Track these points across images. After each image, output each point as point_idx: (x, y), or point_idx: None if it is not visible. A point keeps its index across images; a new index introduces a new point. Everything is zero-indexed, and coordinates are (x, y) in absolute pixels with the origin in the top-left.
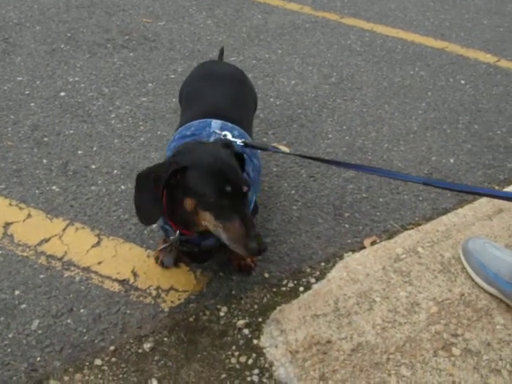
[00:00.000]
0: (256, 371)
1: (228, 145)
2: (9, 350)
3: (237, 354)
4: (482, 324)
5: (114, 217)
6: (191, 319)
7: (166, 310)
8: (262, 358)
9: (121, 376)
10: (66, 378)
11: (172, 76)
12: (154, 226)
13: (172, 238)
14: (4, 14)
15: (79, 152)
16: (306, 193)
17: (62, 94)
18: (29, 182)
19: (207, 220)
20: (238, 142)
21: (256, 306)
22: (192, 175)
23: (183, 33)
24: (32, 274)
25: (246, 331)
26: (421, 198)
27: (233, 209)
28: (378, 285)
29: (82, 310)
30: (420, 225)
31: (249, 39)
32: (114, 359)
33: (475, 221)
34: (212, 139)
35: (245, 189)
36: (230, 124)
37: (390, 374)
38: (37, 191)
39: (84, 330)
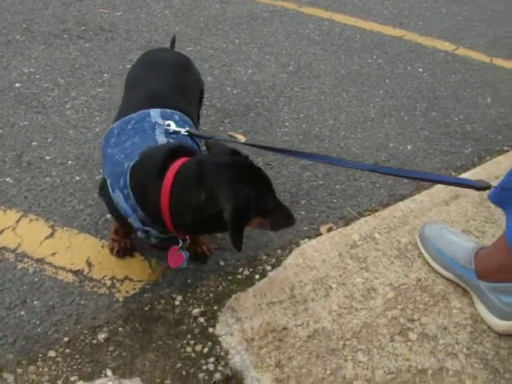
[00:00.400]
0: (212, 359)
1: (235, 151)
2: None
3: (192, 342)
4: (438, 308)
5: (69, 207)
6: (146, 308)
7: (121, 299)
8: (217, 347)
9: (75, 367)
10: (20, 371)
11: (128, 66)
12: (109, 215)
13: (153, 239)
14: None
15: (34, 143)
16: None
17: (17, 85)
18: None
19: (262, 223)
20: (183, 131)
21: (211, 295)
22: (255, 197)
23: (140, 23)
24: None
25: (202, 320)
26: (378, 185)
27: (274, 203)
28: (334, 271)
29: (35, 302)
30: (377, 211)
31: (206, 29)
32: (68, 350)
33: (432, 206)
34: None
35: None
36: (168, 110)
37: (346, 360)
38: None
39: (37, 322)
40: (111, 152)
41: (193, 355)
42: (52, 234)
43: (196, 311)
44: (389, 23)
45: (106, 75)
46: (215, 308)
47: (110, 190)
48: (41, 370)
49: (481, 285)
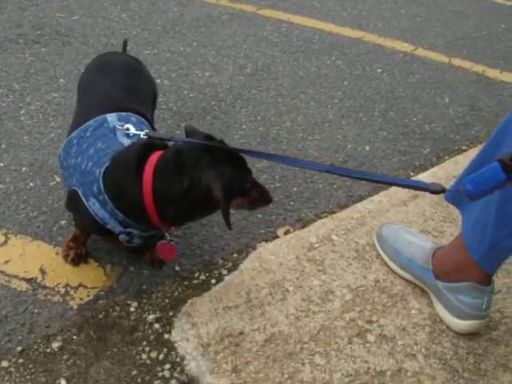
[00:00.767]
0: (167, 366)
1: (210, 136)
2: None
3: (148, 349)
4: (397, 309)
5: (23, 215)
6: (101, 316)
7: (75, 307)
8: (173, 353)
9: (28, 377)
10: None
11: None
12: (63, 222)
13: (136, 240)
14: None
15: None
16: None
17: None
18: None
19: (240, 203)
20: (142, 134)
21: (167, 300)
22: (235, 176)
23: (97, 27)
24: None
25: (157, 326)
26: (335, 186)
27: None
28: (291, 274)
29: None
30: (334, 213)
31: (164, 32)
32: (21, 360)
33: (390, 207)
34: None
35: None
36: (124, 113)
37: (303, 364)
38: None
39: None
40: (75, 162)
41: (148, 362)
42: (5, 242)
43: (151, 317)
44: (347, 25)
45: (61, 80)
46: (171, 314)
47: (84, 199)
48: None
49: (439, 285)
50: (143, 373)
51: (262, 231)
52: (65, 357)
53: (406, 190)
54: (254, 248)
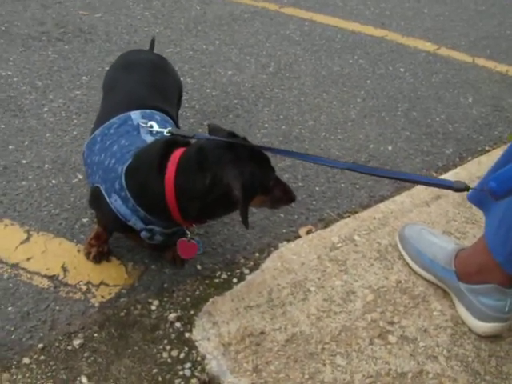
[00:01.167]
0: (188, 365)
1: (233, 134)
2: None
3: (168, 348)
4: (418, 311)
5: (45, 212)
6: (122, 314)
7: (97, 305)
8: (194, 352)
9: (49, 374)
10: None
11: (107, 68)
12: (85, 219)
13: (158, 237)
14: None
15: (10, 147)
16: None
17: None
18: None
19: (262, 200)
20: (165, 131)
21: (188, 299)
22: (257, 173)
23: (120, 25)
24: None
25: (178, 324)
26: (358, 186)
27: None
28: (312, 274)
29: (9, 308)
30: (357, 213)
31: (186, 30)
32: (42, 357)
33: (413, 207)
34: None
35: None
36: (148, 111)
37: (324, 364)
38: None
39: (12, 329)
40: (98, 159)
41: (169, 361)
42: (27, 239)
43: (172, 316)
44: (370, 23)
45: (84, 78)
46: (192, 312)
47: (106, 196)
48: (15, 377)
49: (461, 286)
50: (164, 371)
51: (284, 230)
52: (86, 354)
53: (429, 190)
54: (276, 247)
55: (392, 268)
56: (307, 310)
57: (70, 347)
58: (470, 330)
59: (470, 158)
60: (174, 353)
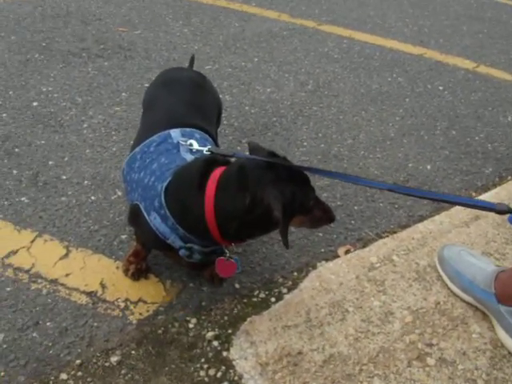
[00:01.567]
0: None
1: (273, 153)
2: None
3: (206, 366)
4: (457, 333)
5: (84, 228)
6: (160, 331)
7: (134, 322)
8: (231, 371)
9: None
10: None
11: (146, 85)
12: (124, 236)
13: (197, 256)
14: None
15: (50, 162)
16: None
17: (35, 104)
18: None
19: (302, 221)
20: (204, 150)
21: (226, 318)
22: (298, 194)
23: (159, 41)
24: None
25: (216, 343)
26: (396, 206)
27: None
28: (351, 294)
29: (48, 324)
30: (395, 233)
31: (225, 47)
32: (79, 373)
33: (452, 228)
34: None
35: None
36: (188, 129)
37: None
38: (6, 202)
39: (50, 344)
40: (138, 177)
41: (206, 379)
42: (66, 255)
43: (210, 334)
44: (409, 41)
45: (123, 94)
46: (229, 331)
47: (145, 213)
48: None
49: (501, 309)
50: None
51: (323, 250)
52: (123, 371)
53: (468, 210)
54: (315, 267)
55: (431, 289)
56: (345, 330)
57: (107, 364)
58: (509, 353)
59: (509, 178)
60: (212, 372)
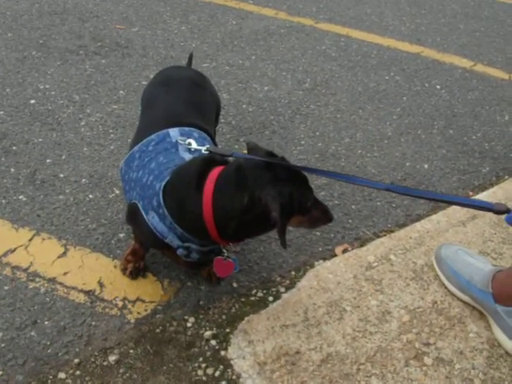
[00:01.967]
0: (223, 383)
1: (271, 153)
2: None
3: (204, 365)
4: (454, 332)
5: (82, 226)
6: (158, 330)
7: (132, 321)
8: (229, 370)
9: None
10: None
11: (144, 83)
12: (122, 235)
13: (194, 255)
14: None
15: (48, 161)
16: None
17: (32, 101)
18: None
19: (300, 221)
20: (203, 149)
21: (224, 317)
22: (295, 193)
23: (156, 39)
24: None
25: (214, 342)
26: (394, 205)
27: (312, 201)
28: (348, 293)
29: (46, 322)
30: (393, 232)
31: (222, 45)
32: (78, 372)
33: (449, 227)
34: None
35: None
36: (186, 128)
37: None
38: (3, 201)
39: (48, 343)
40: (136, 176)
41: (204, 378)
42: (64, 253)
43: (208, 333)
44: (406, 39)
45: (121, 92)
46: (227, 330)
47: (143, 212)
48: None
49: (498, 308)
50: None
51: (320, 249)
52: (121, 370)
53: (465, 210)
54: (312, 266)
55: (428, 288)
56: (343, 329)
57: (105, 363)
58: (506, 352)
59: (506, 177)
60: (210, 371)
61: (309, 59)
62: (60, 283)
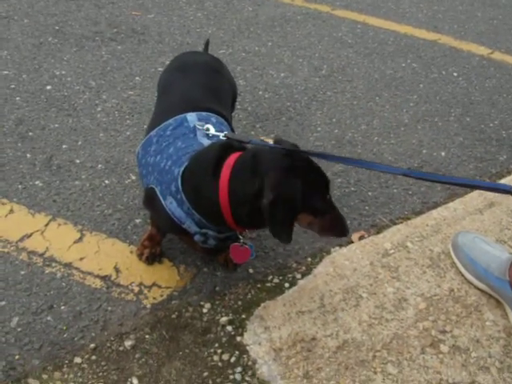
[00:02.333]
0: (239, 369)
1: (296, 146)
2: None
3: (219, 351)
4: (471, 320)
5: (98, 212)
6: (173, 316)
7: (148, 306)
8: (244, 356)
9: (100, 374)
10: (45, 377)
11: (160, 69)
12: (138, 220)
13: (211, 241)
14: None
15: (64, 146)
16: None
17: (48, 87)
18: (12, 176)
19: (309, 220)
20: (221, 135)
21: (240, 303)
22: (305, 186)
23: (172, 25)
24: (13, 270)
25: (229, 328)
26: (410, 192)
27: (328, 204)
28: (365, 280)
29: (62, 307)
30: (409, 219)
31: (239, 32)
32: (94, 357)
33: (466, 215)
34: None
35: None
36: (204, 113)
37: (375, 372)
38: (20, 186)
39: (64, 328)
40: (154, 160)
41: (220, 364)
42: (80, 239)
43: (224, 319)
44: (423, 26)
45: (137, 78)
46: (243, 316)
47: (161, 197)
48: (66, 376)
49: None
50: (214, 375)
51: None
52: (137, 355)
53: (482, 197)
54: (329, 253)
55: (445, 276)
56: (359, 316)
57: (121, 348)
58: None
59: None
60: (225, 356)
61: (325, 46)
62: (76, 268)
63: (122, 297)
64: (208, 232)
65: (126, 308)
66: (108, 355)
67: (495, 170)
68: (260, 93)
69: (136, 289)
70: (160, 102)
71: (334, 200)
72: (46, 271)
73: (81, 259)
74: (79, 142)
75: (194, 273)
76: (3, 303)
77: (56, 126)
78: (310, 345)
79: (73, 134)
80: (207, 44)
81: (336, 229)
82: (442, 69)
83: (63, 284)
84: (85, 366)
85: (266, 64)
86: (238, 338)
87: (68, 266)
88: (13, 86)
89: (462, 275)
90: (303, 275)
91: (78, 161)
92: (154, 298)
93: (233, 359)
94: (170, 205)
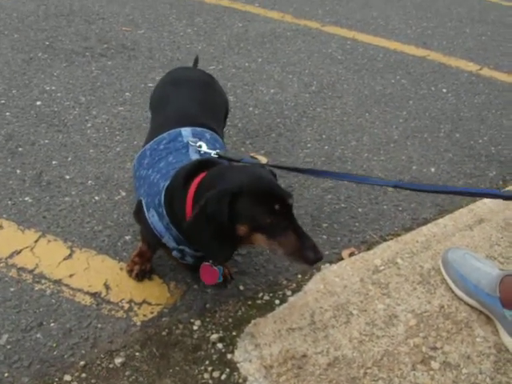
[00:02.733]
0: None
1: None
2: None
3: (210, 369)
4: (461, 337)
5: (87, 228)
6: (164, 333)
7: (139, 323)
8: (235, 373)
9: None
10: None
11: (150, 85)
12: (128, 237)
13: (189, 259)
14: None
15: (54, 162)
16: None
17: (38, 103)
18: (1, 192)
19: (261, 240)
20: (212, 153)
21: (230, 320)
22: (242, 201)
23: (163, 41)
24: (2, 287)
25: (220, 345)
26: (400, 208)
27: (284, 224)
28: (355, 297)
29: (52, 324)
30: (399, 235)
31: (229, 47)
32: (83, 375)
33: (456, 231)
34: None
35: (291, 202)
36: (199, 129)
37: None
38: (9, 202)
39: (54, 345)
40: (146, 173)
41: (210, 382)
42: (70, 255)
43: (214, 337)
44: (412, 43)
45: (127, 94)
46: (234, 333)
47: (145, 209)
48: None
49: (505, 313)
50: None
51: (327, 252)
52: (127, 373)
53: (472, 213)
54: (319, 269)
55: (435, 292)
56: (349, 333)
57: (111, 365)
58: None
59: None
60: (216, 374)
61: (315, 62)
62: (66, 285)
63: (112, 314)
64: (185, 249)
65: (116, 325)
66: (98, 373)
67: (485, 185)
68: (250, 109)
69: (126, 306)
70: (155, 116)
71: (318, 218)
72: (36, 288)
73: (70, 276)
74: (69, 158)
75: (184, 290)
76: None
77: (46, 141)
78: (300, 362)
79: (63, 149)
80: (196, 60)
81: (303, 253)
82: (432, 85)
83: (53, 301)
84: (75, 383)
85: (256, 80)
86: (229, 356)
87: (58, 282)
88: (3, 101)
89: (453, 291)
90: (293, 292)
91: (67, 177)
92: (144, 315)
93: (223, 376)
94: (152, 218)
